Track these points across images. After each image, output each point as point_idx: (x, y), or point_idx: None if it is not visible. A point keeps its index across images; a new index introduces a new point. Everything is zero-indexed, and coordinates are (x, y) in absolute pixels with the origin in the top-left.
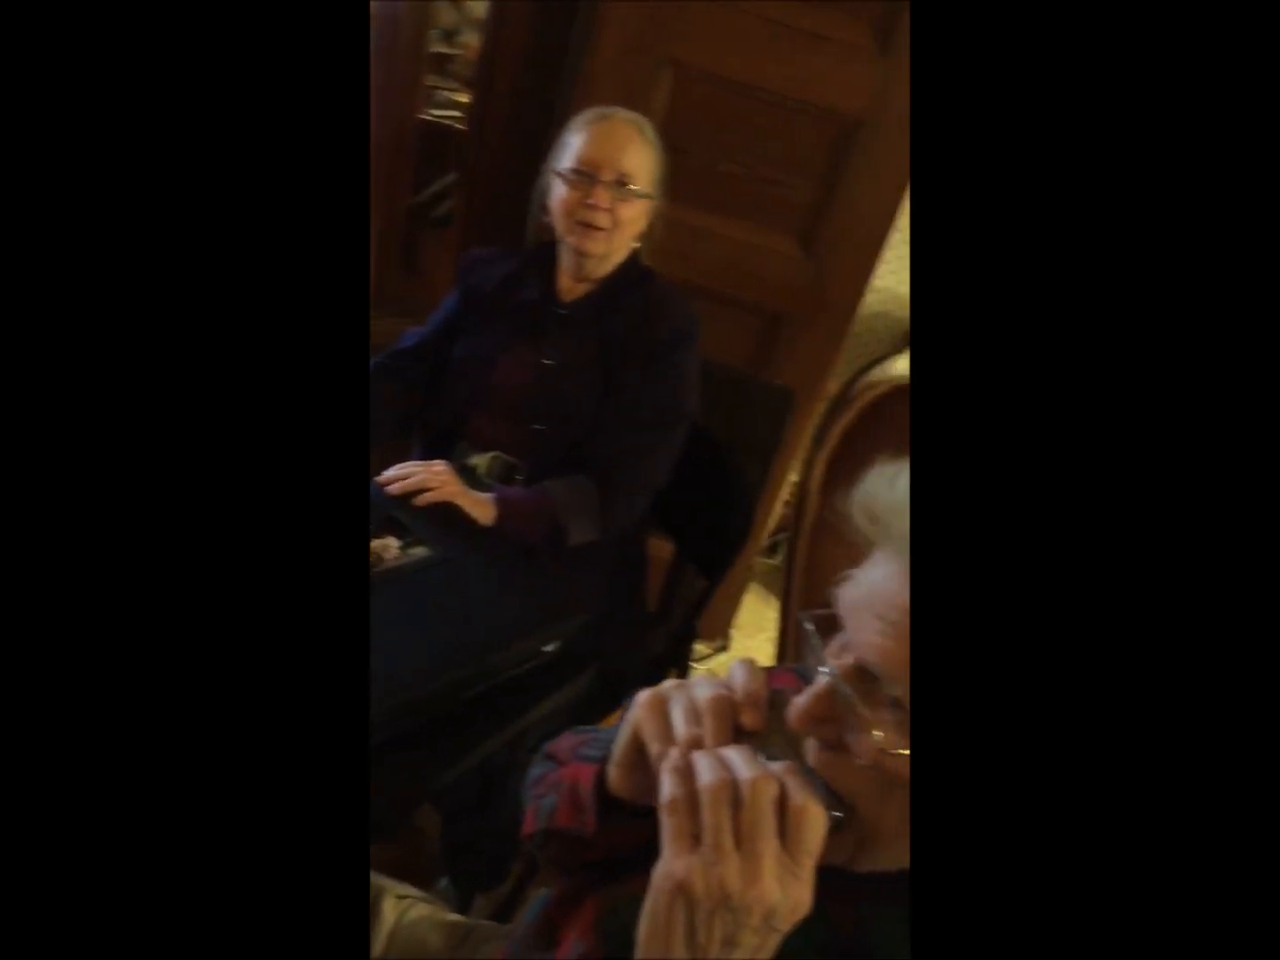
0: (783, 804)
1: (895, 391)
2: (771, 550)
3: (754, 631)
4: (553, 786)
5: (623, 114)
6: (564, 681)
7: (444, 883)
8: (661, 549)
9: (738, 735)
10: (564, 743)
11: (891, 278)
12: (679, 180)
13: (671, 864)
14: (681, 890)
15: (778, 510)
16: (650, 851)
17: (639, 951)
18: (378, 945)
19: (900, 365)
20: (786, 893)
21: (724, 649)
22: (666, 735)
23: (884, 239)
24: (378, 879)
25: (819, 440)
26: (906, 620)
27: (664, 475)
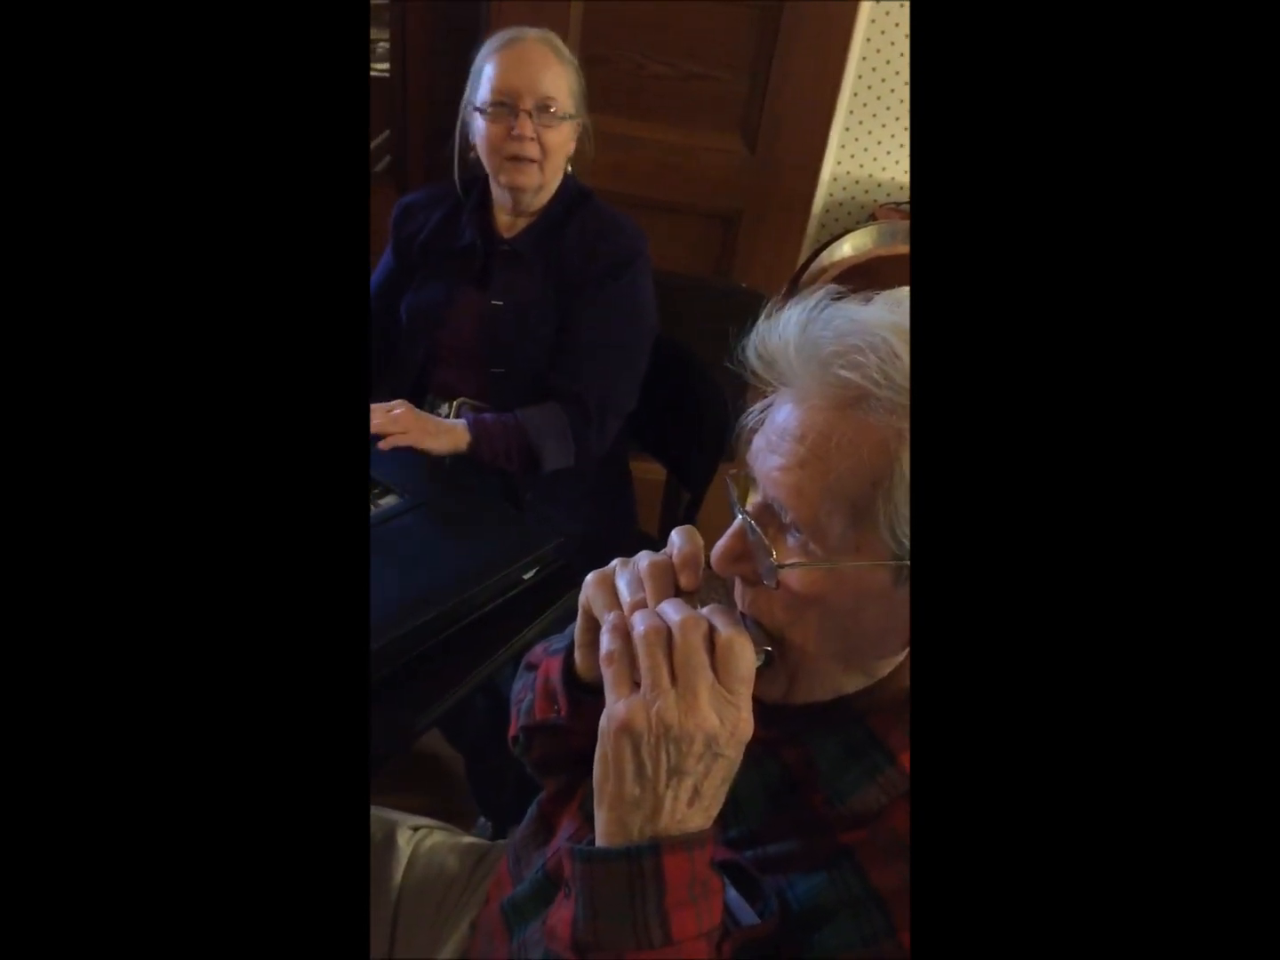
0: (712, 640)
1: (844, 274)
2: None
3: None
4: (529, 687)
5: (531, 34)
6: (550, 603)
7: (481, 822)
8: (656, 471)
9: (679, 596)
10: (537, 650)
11: (851, 161)
12: (609, 91)
13: (613, 707)
14: (625, 729)
15: None
16: None
17: (595, 795)
18: (396, 875)
19: (847, 247)
20: (724, 719)
21: None
22: (614, 604)
23: (829, 118)
24: (391, 815)
25: None
26: (796, 447)
27: (631, 397)
